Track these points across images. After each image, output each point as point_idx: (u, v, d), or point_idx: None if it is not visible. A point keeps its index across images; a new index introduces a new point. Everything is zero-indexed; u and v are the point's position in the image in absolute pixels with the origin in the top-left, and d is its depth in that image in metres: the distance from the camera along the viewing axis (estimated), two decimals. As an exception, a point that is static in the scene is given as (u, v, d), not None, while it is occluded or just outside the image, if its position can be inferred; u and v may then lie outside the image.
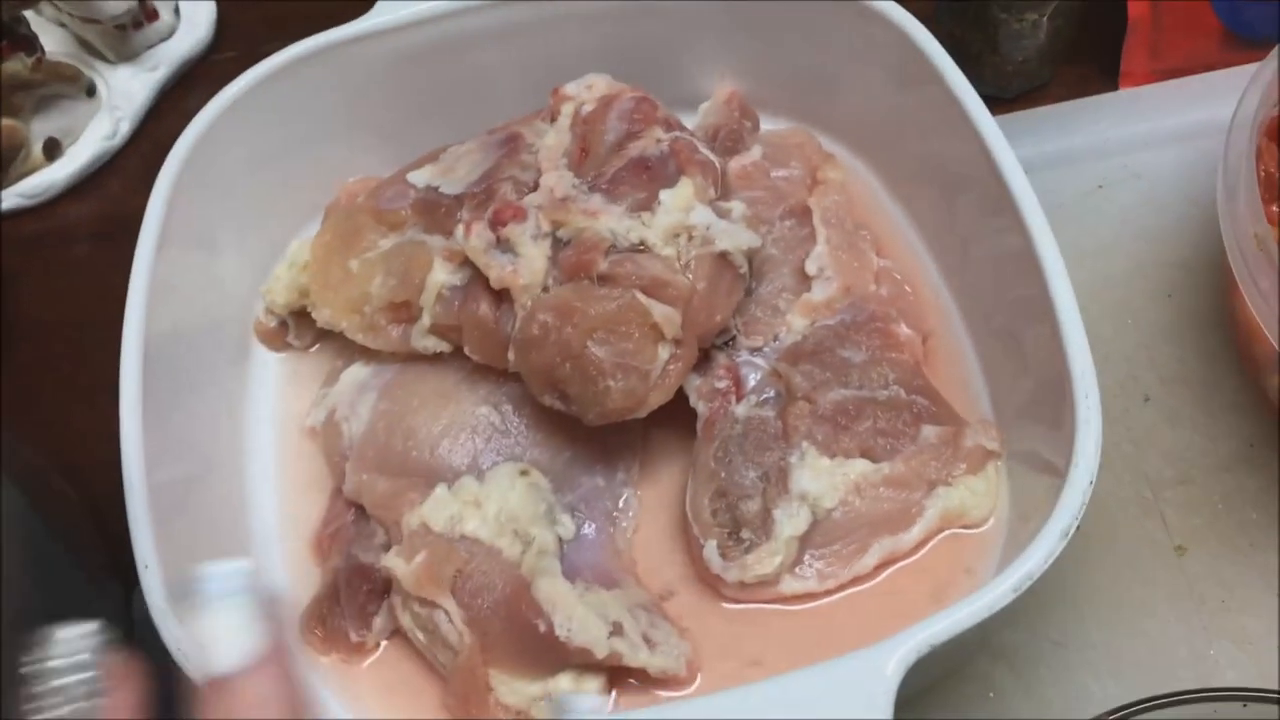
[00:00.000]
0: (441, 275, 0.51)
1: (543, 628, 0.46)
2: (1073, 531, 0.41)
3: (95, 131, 0.71)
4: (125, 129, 0.72)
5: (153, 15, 0.73)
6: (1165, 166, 0.62)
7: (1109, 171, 0.62)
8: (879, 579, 0.49)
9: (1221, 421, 0.54)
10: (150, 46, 0.73)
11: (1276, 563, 0.50)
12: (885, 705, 0.37)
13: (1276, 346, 0.47)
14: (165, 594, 0.42)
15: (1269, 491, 0.52)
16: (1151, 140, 0.63)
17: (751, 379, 0.52)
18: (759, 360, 0.53)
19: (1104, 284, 0.59)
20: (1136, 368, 0.56)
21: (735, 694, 0.38)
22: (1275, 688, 0.41)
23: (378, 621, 0.49)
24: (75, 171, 0.70)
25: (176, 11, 0.75)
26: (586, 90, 0.56)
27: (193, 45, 0.75)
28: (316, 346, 0.58)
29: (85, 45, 0.73)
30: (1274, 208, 0.52)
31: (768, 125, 0.62)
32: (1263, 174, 0.54)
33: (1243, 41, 0.65)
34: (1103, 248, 0.60)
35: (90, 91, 0.71)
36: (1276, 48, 0.54)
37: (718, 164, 0.54)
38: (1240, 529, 0.51)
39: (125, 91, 0.72)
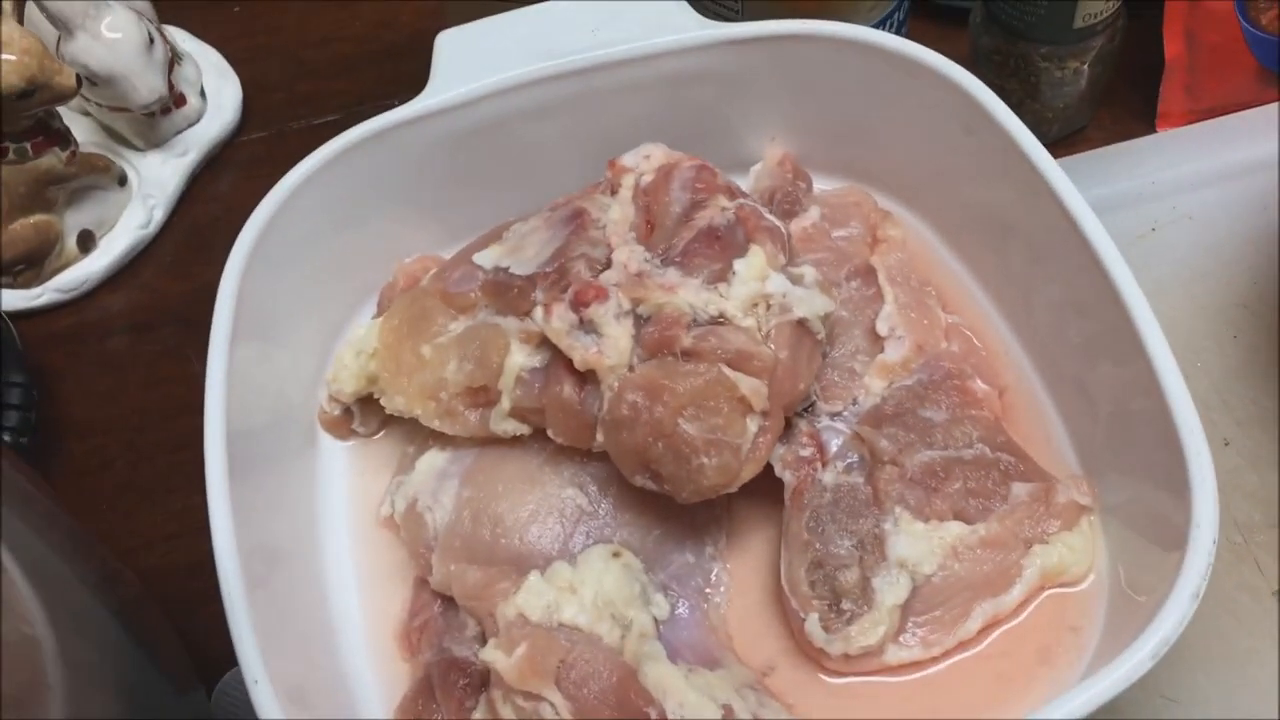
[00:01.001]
0: (520, 358, 0.50)
1: (654, 715, 0.45)
2: (1202, 593, 0.40)
3: (129, 221, 0.70)
4: (159, 216, 0.71)
5: (181, 101, 0.72)
6: (1214, 206, 0.62)
7: (1160, 214, 0.62)
8: (984, 643, 0.48)
9: (1304, 461, 0.54)
10: (179, 132, 0.73)
11: (1377, 603, 0.50)
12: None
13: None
14: (279, 706, 0.41)
15: (1359, 529, 0.52)
16: (1197, 181, 0.63)
17: (834, 445, 0.52)
18: (840, 425, 0.53)
19: (1168, 328, 0.58)
20: (1212, 411, 0.56)
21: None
22: None
23: (476, 716, 0.48)
24: (111, 263, 0.69)
25: (203, 95, 0.74)
26: (644, 160, 0.56)
27: (221, 128, 0.74)
28: (382, 433, 0.57)
29: (112, 134, 0.73)
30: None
31: (821, 185, 0.62)
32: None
33: (1277, 78, 0.66)
34: (1162, 291, 0.60)
35: (122, 181, 0.70)
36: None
37: (784, 229, 0.54)
38: (1336, 571, 0.51)
39: (156, 179, 0.72)
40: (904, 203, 0.62)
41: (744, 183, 0.61)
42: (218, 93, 0.75)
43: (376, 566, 0.53)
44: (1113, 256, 0.49)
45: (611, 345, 0.48)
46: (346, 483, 0.56)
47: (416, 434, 0.55)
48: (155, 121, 0.71)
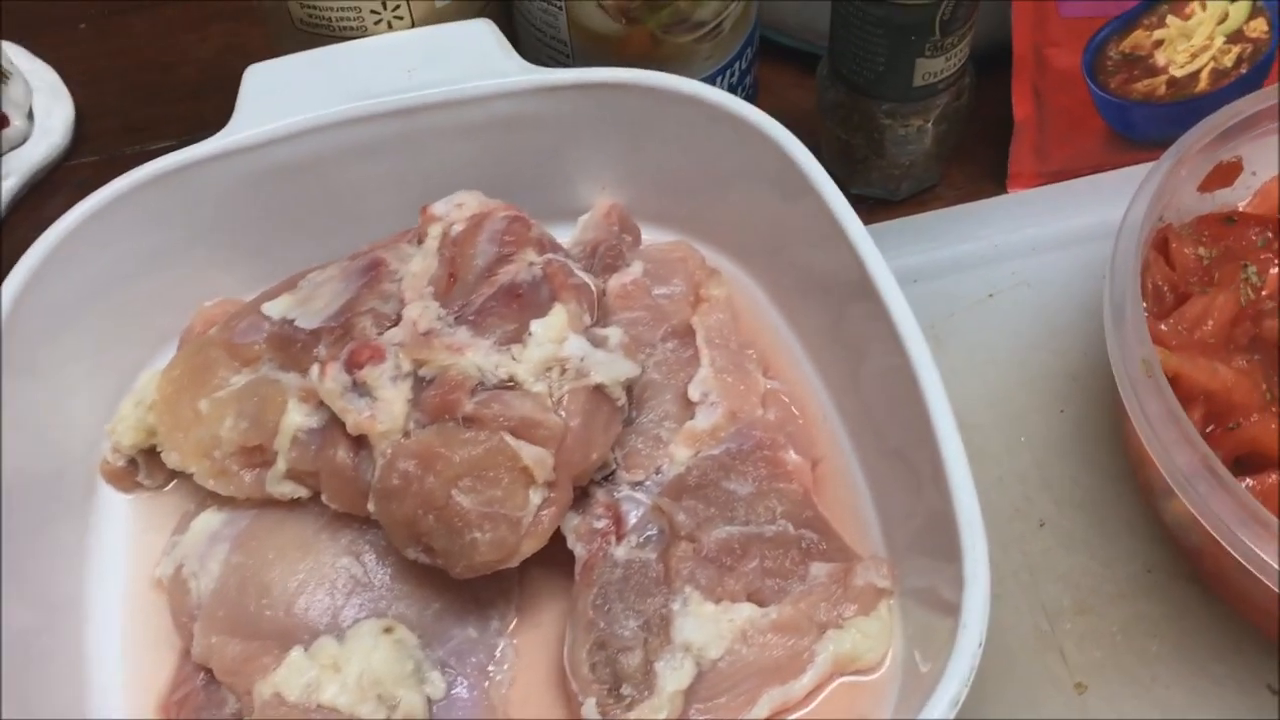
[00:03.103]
0: (297, 417, 0.48)
1: (406, 807, 0.42)
2: (962, 701, 0.38)
3: (-60, 245, 0.66)
4: (-26, 242, 0.67)
5: (3, 121, 0.69)
6: (1054, 272, 0.61)
7: (999, 278, 0.61)
8: (770, 733, 0.46)
9: (1118, 546, 0.52)
10: (0, 154, 0.69)
11: (1177, 699, 0.48)
12: None
13: (1167, 478, 0.46)
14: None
15: (1169, 621, 0.50)
16: (1039, 245, 0.62)
17: (633, 516, 0.50)
18: (641, 495, 0.50)
19: (996, 397, 0.57)
20: (1030, 489, 0.54)
21: None
22: None
23: (228, 800, 0.45)
24: (-83, 289, 0.65)
25: (30, 116, 0.71)
26: (456, 209, 0.54)
27: (47, 152, 0.71)
28: (171, 485, 0.54)
29: (-72, 153, 0.69)
30: (1162, 327, 0.51)
31: (651, 236, 0.60)
32: (1150, 287, 0.53)
33: (1128, 143, 0.65)
34: (994, 359, 0.58)
35: (-66, 203, 0.67)
36: (1160, 159, 0.53)
37: (594, 287, 0.52)
38: (1140, 661, 0.49)
39: (-26, 201, 0.68)
40: (735, 260, 0.60)
41: (570, 234, 0.59)
42: (48, 114, 0.72)
43: (146, 631, 0.50)
44: (912, 334, 0.47)
45: (385, 409, 0.46)
46: (129, 538, 0.53)
47: (203, 490, 0.52)
48: (-26, 143, 0.68)
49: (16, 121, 0.70)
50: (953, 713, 0.38)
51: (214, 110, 0.56)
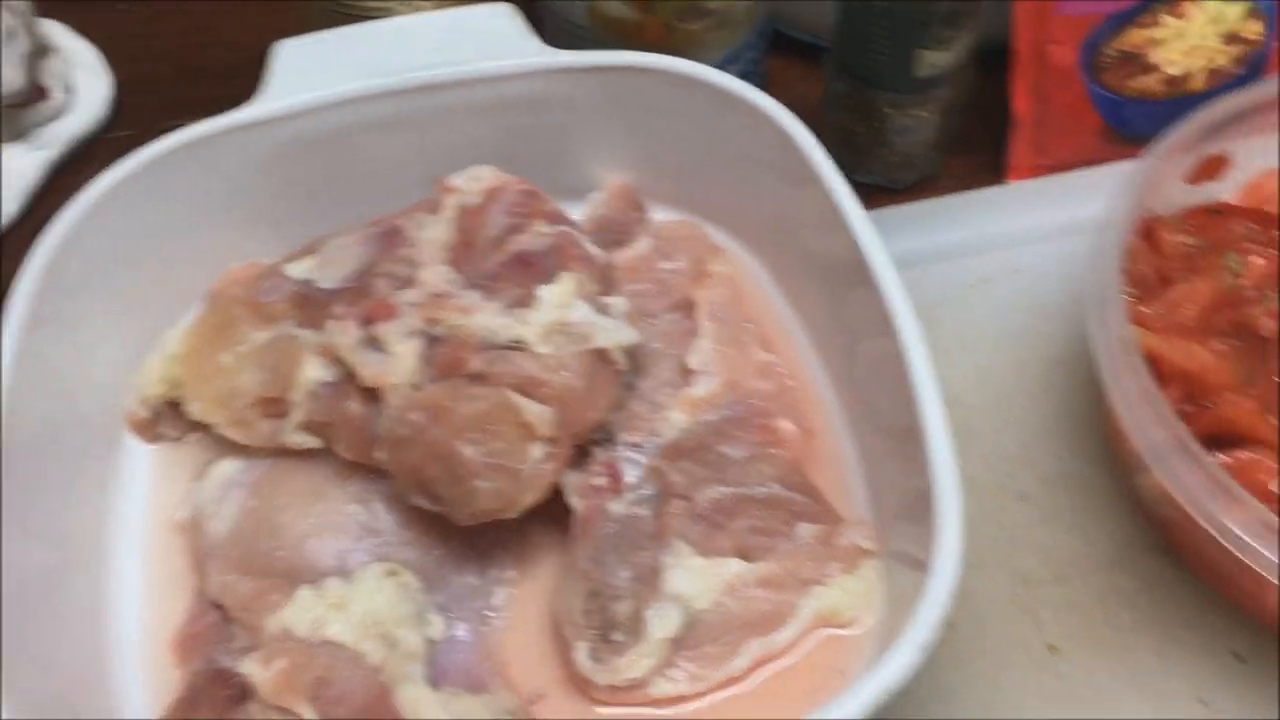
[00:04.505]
0: (314, 371, 0.50)
1: (403, 737, 0.45)
2: (930, 646, 0.40)
3: (-18, 213, 0.70)
4: (14, 210, 0.70)
5: (44, 94, 0.72)
6: (1046, 262, 0.63)
7: (990, 266, 0.63)
8: (752, 681, 0.49)
9: (1097, 521, 0.54)
10: (40, 125, 0.72)
11: (1146, 664, 0.50)
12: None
13: (1142, 453, 0.48)
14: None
15: (1141, 592, 0.52)
16: (1034, 235, 0.64)
17: (631, 476, 0.52)
18: (639, 457, 0.53)
19: (984, 380, 0.59)
20: (1014, 465, 0.56)
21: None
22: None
23: (237, 728, 0.48)
24: (-42, 252, 0.69)
25: (69, 90, 0.74)
26: (472, 182, 0.56)
27: (87, 124, 0.74)
28: (192, 437, 0.57)
29: (-28, 124, 0.72)
30: (1143, 309, 0.53)
31: (659, 216, 0.63)
32: (1136, 274, 0.55)
33: (1124, 138, 0.67)
34: (984, 343, 0.60)
35: (-24, 171, 0.70)
36: (1146, 150, 0.55)
37: (602, 259, 0.54)
38: (1114, 630, 0.51)
39: (15, 170, 0.71)
40: (742, 242, 0.62)
41: (581, 211, 0.62)
42: (88, 89, 0.75)
43: (167, 573, 0.53)
44: (903, 309, 0.49)
45: (396, 364, 0.48)
46: (151, 487, 0.56)
47: (222, 442, 0.55)
48: (15, 114, 0.71)
49: (57, 94, 0.73)
50: (921, 657, 0.40)
51: (250, 89, 0.59)
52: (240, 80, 0.77)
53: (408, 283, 0.52)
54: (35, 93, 0.71)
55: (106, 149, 0.75)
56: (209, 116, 0.57)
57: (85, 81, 0.75)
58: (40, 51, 0.72)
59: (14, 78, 0.68)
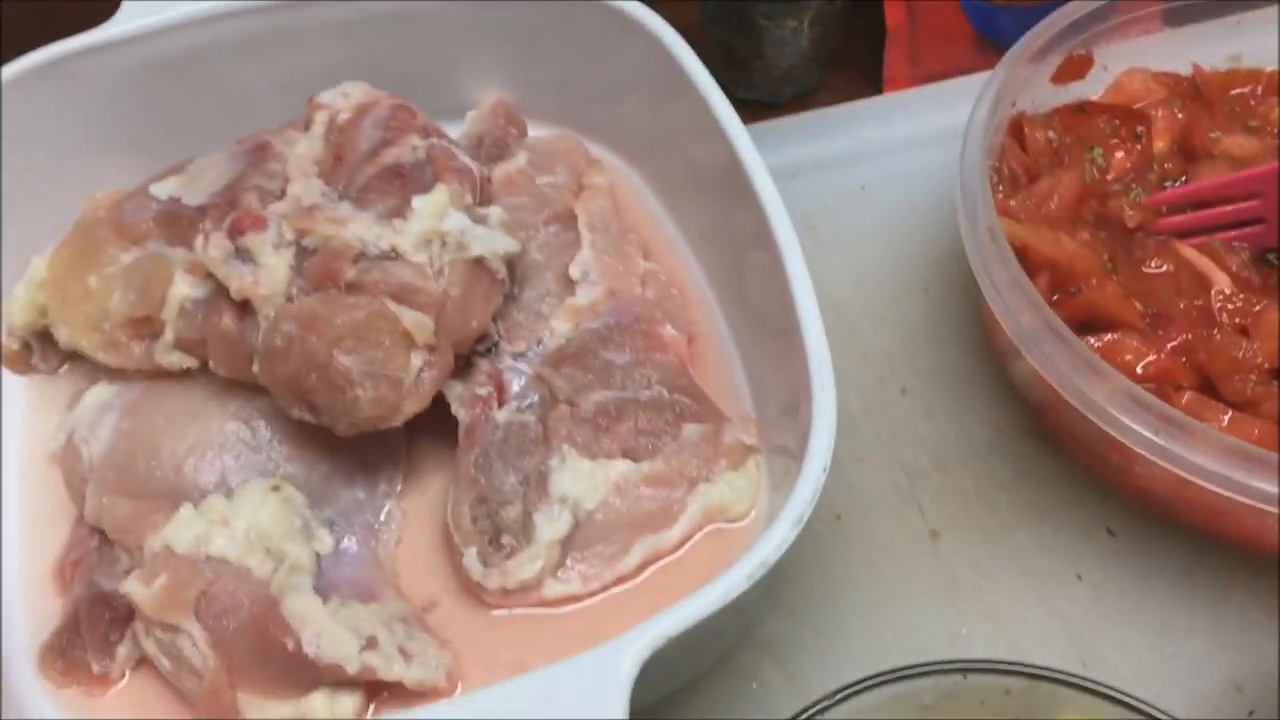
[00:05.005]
0: (184, 288, 0.49)
1: (290, 645, 0.44)
2: (805, 520, 0.41)
3: None
4: None
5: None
6: (923, 168, 0.64)
7: (871, 174, 0.64)
8: (643, 578, 0.49)
9: (974, 411, 0.56)
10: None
11: (1024, 544, 0.52)
12: (620, 704, 0.37)
13: (1013, 339, 0.49)
14: None
15: (1018, 477, 0.54)
16: (911, 143, 0.65)
17: (515, 384, 0.52)
18: (523, 366, 0.53)
19: (865, 283, 0.60)
20: (895, 362, 0.57)
21: (460, 701, 0.37)
22: (992, 660, 0.42)
23: (121, 650, 0.47)
24: None
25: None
26: (343, 98, 0.55)
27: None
28: (65, 369, 0.55)
29: None
30: (1011, 203, 0.54)
31: (537, 132, 0.62)
32: (1006, 170, 0.56)
33: (995, 46, 0.68)
34: (864, 247, 0.61)
35: None
36: (1007, 54, 0.56)
37: (477, 171, 0.54)
38: (991, 513, 0.53)
39: None
40: (621, 155, 0.62)
41: (458, 128, 0.61)
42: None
43: (42, 505, 0.52)
44: (779, 216, 0.49)
45: (267, 275, 0.47)
46: (23, 419, 0.54)
47: (97, 370, 0.53)
48: None
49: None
50: (794, 532, 0.41)
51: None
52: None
53: (278, 196, 0.51)
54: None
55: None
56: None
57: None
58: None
59: None
